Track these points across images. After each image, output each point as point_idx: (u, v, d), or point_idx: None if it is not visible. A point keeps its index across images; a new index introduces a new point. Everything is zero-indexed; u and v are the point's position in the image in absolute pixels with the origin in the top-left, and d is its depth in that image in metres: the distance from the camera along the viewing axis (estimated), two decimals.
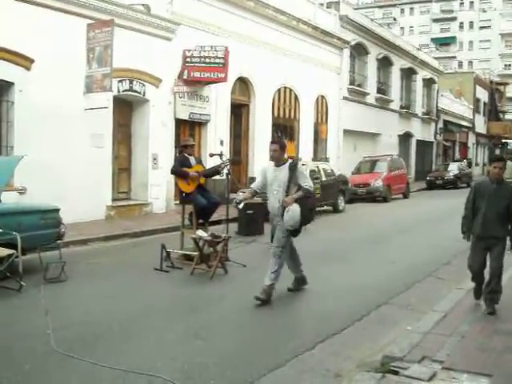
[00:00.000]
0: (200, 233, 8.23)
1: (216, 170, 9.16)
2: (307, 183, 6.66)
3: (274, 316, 5.95)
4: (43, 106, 11.38)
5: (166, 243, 8.53)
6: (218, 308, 6.21)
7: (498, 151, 53.06)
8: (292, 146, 21.55)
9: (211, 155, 9.61)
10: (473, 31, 79.48)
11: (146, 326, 5.49)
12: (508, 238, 6.09)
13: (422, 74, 36.31)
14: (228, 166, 8.83)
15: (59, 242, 8.15)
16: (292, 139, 21.79)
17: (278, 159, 6.74)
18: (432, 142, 39.18)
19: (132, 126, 14.85)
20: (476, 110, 47.93)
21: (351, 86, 26.41)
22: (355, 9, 32.64)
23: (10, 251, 6.84)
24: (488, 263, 6.08)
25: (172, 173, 9.46)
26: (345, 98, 25.54)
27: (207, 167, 9.77)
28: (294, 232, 6.59)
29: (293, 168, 6.63)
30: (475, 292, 6.28)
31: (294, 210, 6.37)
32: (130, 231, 11.71)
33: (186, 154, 9.33)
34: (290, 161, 6.79)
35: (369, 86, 28.42)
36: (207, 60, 15.29)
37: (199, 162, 9.49)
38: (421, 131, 36.33)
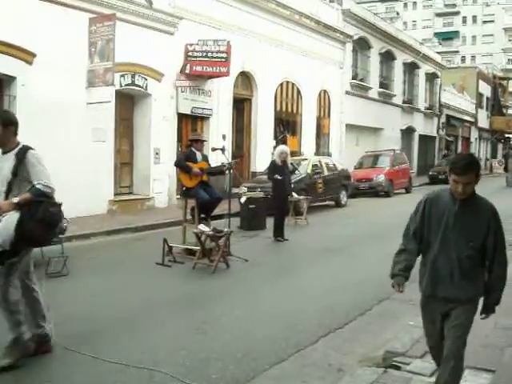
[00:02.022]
0: (202, 227, 8.24)
1: (220, 171, 9.20)
2: (41, 181, 4.29)
3: (275, 311, 5.94)
4: (45, 101, 11.37)
5: (168, 238, 8.53)
6: (219, 302, 6.20)
7: (500, 146, 53.03)
8: (294, 140, 21.56)
9: (213, 149, 9.64)
10: (476, 26, 79.09)
11: (147, 321, 5.49)
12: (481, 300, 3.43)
13: (425, 68, 36.19)
14: (232, 169, 8.92)
15: (61, 236, 8.13)
16: (294, 133, 21.80)
17: (2, 142, 4.41)
18: (434, 137, 39.07)
19: (134, 121, 14.84)
20: (479, 105, 47.78)
21: (354, 81, 26.32)
22: (358, 3, 32.48)
23: None
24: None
25: (176, 165, 9.46)
26: (347, 93, 25.48)
27: (210, 162, 9.75)
28: (3, 255, 4.13)
29: (21, 156, 4.33)
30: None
31: (8, 222, 4.12)
32: (131, 226, 11.71)
33: (194, 149, 9.30)
34: (20, 145, 4.43)
35: (371, 81, 28.33)
36: (209, 54, 15.25)
37: (205, 159, 9.42)
38: (423, 126, 36.23)
